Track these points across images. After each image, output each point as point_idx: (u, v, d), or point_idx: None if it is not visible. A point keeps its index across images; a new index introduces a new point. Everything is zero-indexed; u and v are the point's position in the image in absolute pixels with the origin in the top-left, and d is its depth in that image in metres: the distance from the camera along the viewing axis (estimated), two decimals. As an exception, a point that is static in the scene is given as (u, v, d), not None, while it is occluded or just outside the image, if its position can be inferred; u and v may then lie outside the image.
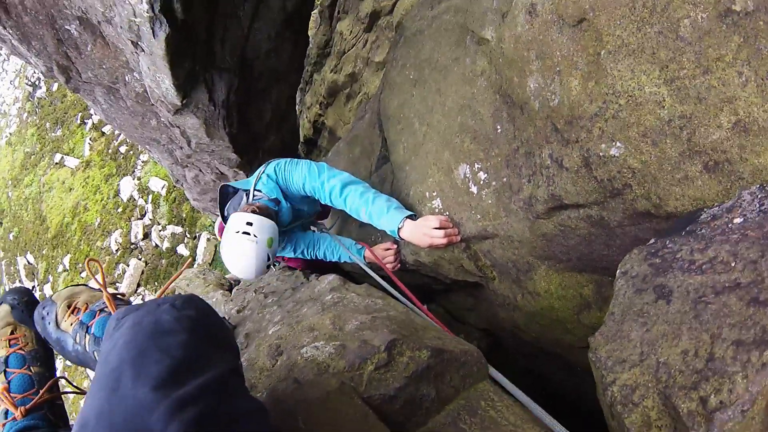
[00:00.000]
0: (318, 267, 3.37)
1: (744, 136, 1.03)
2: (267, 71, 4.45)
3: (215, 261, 12.23)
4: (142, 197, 15.43)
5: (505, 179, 1.80)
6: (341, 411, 1.09)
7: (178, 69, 3.37)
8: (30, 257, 18.28)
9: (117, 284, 13.93)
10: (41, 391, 1.26)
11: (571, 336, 1.94)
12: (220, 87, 3.90)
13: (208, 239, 12.70)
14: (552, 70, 1.39)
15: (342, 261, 2.81)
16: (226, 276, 5.76)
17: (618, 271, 1.14)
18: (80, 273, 15.63)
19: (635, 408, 0.84)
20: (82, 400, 0.85)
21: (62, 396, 1.34)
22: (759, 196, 0.97)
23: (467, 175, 1.99)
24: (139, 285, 13.75)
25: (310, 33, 6.51)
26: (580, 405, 2.05)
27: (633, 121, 1.20)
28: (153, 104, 4.01)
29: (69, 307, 1.34)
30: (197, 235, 13.38)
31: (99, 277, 1.36)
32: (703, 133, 1.09)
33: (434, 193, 2.20)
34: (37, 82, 21.73)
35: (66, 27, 3.60)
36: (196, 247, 13.09)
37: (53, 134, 20.00)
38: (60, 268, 16.48)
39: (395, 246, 2.58)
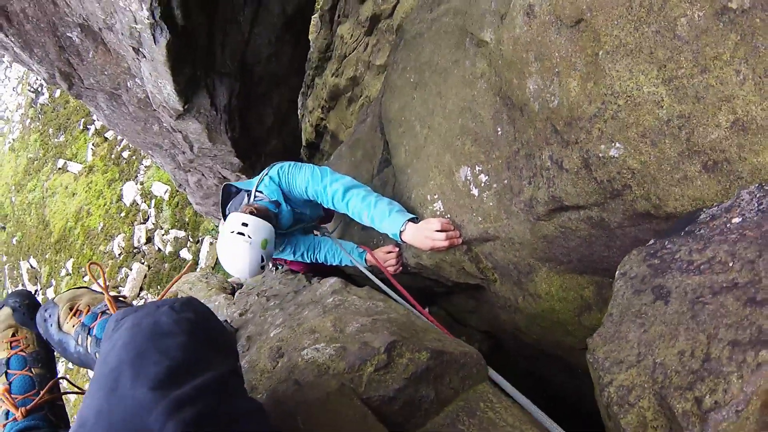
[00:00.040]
0: (320, 270, 3.37)
1: (742, 134, 1.03)
2: (268, 75, 4.47)
3: (218, 265, 12.25)
4: (144, 202, 15.49)
5: (505, 181, 1.80)
6: (341, 412, 1.10)
7: (180, 74, 3.39)
8: (33, 261, 18.35)
9: (120, 288, 13.98)
10: (42, 392, 1.26)
11: (572, 338, 1.93)
12: (222, 92, 3.91)
13: (211, 243, 12.74)
14: (551, 71, 1.40)
15: (343, 264, 2.81)
16: (229, 280, 5.77)
17: (617, 272, 1.14)
18: (83, 277, 15.67)
19: (631, 408, 0.84)
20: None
21: (63, 397, 1.35)
22: (758, 196, 0.97)
23: (468, 178, 1.99)
24: (141, 289, 13.79)
25: (310, 37, 6.53)
26: (580, 407, 2.05)
27: (632, 121, 1.20)
28: (155, 109, 4.03)
29: (71, 309, 1.36)
30: (200, 239, 13.42)
31: (101, 280, 1.38)
32: (702, 133, 1.09)
33: (435, 196, 2.20)
34: (39, 89, 21.86)
35: (68, 34, 3.62)
36: (198, 251, 13.13)
37: (56, 140, 20.10)
38: (63, 273, 16.53)
39: (397, 249, 2.58)
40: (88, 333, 1.28)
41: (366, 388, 1.20)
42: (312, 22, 6.47)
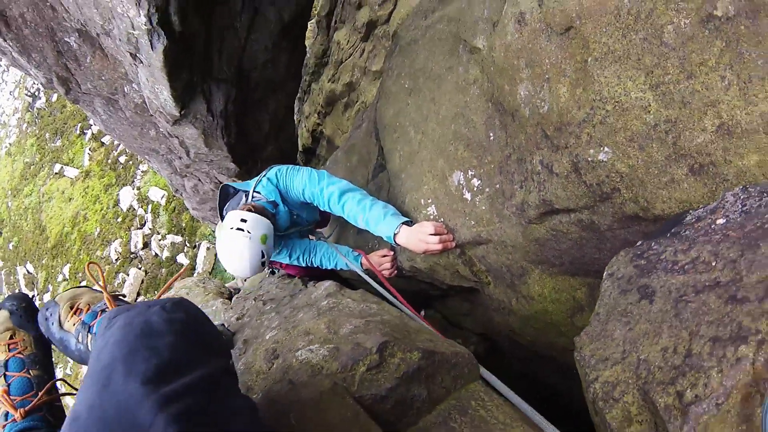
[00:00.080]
0: (317, 274, 3.39)
1: (728, 138, 1.06)
2: (264, 81, 4.49)
3: (215, 270, 12.25)
4: (141, 207, 15.48)
5: (498, 185, 1.82)
6: (333, 410, 1.11)
7: (176, 80, 3.40)
8: (30, 267, 18.29)
9: (117, 293, 13.91)
10: (40, 394, 1.28)
11: (565, 339, 1.95)
12: (218, 97, 3.93)
13: (208, 248, 12.73)
14: (541, 77, 1.42)
15: (339, 268, 2.82)
16: (226, 285, 5.78)
17: (605, 272, 1.16)
18: (80, 282, 15.62)
19: (616, 404, 0.86)
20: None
21: (61, 398, 1.36)
22: (741, 197, 0.99)
23: (461, 182, 2.01)
24: (139, 294, 13.76)
25: (307, 43, 6.56)
26: (572, 407, 2.06)
27: (620, 126, 1.22)
28: (152, 115, 4.04)
29: (72, 308, 1.38)
30: (197, 244, 13.41)
31: (100, 279, 1.40)
32: (688, 137, 1.11)
33: (429, 200, 2.22)
34: (36, 93, 21.85)
35: (65, 39, 3.64)
36: (195, 256, 13.12)
37: (53, 144, 20.08)
38: (60, 278, 16.49)
39: (392, 253, 2.60)
40: (88, 331, 1.30)
41: (359, 388, 1.22)
42: (309, 27, 6.50)
